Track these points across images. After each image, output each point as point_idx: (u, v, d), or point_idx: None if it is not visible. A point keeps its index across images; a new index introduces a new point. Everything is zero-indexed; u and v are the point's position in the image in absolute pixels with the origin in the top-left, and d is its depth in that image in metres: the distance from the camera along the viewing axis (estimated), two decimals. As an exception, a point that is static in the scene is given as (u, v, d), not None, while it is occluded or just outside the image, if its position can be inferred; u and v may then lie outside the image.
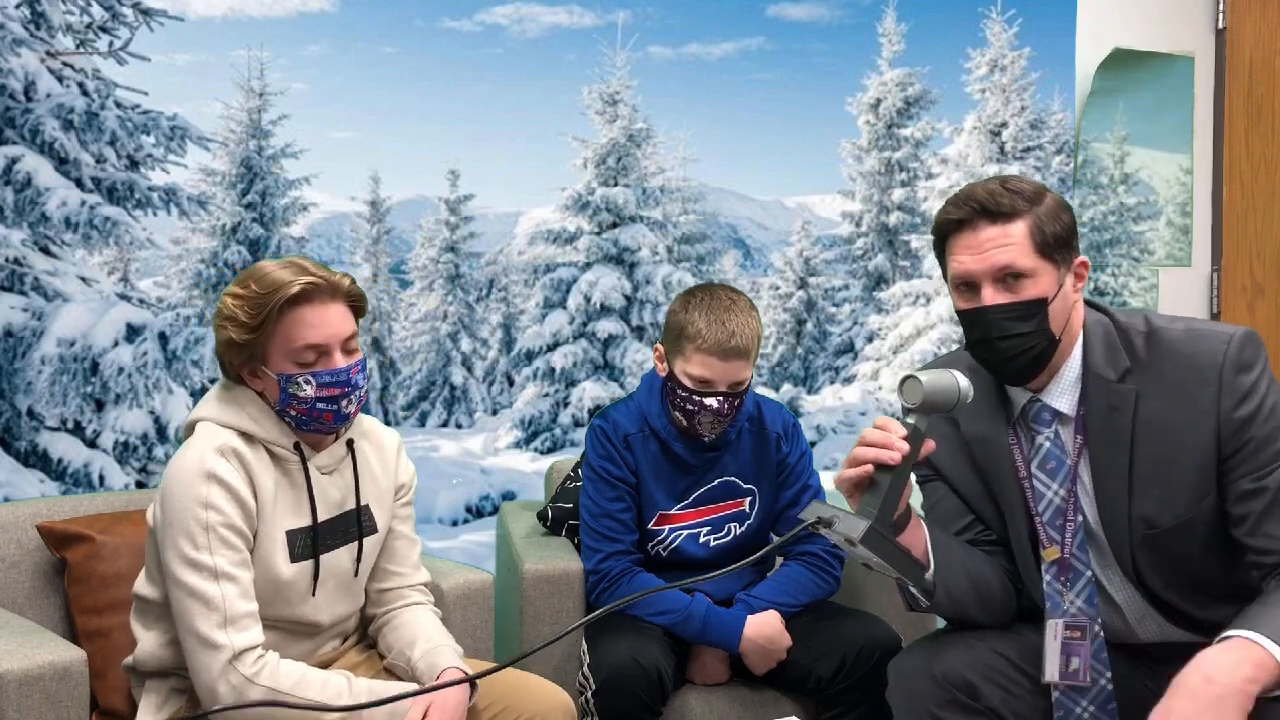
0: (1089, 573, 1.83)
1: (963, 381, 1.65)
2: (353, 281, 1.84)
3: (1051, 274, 1.75)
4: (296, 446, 1.85)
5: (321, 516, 1.87)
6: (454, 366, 3.26)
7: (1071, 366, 1.82)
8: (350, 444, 1.93)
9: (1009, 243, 1.74)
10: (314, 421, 1.82)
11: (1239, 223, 3.92)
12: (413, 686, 1.83)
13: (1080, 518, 1.83)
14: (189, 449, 1.78)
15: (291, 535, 1.84)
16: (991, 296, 1.75)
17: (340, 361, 1.80)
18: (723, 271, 3.49)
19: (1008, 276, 1.74)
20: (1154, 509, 1.77)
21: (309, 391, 1.78)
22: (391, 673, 1.96)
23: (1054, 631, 1.83)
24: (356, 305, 1.85)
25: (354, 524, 1.92)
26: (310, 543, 1.86)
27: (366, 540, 1.94)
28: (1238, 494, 1.73)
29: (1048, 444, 1.83)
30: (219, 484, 1.74)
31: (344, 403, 1.82)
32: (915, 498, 1.88)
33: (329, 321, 1.79)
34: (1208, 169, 3.94)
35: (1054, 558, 1.84)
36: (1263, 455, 1.71)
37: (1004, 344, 1.75)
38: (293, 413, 1.81)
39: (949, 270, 1.81)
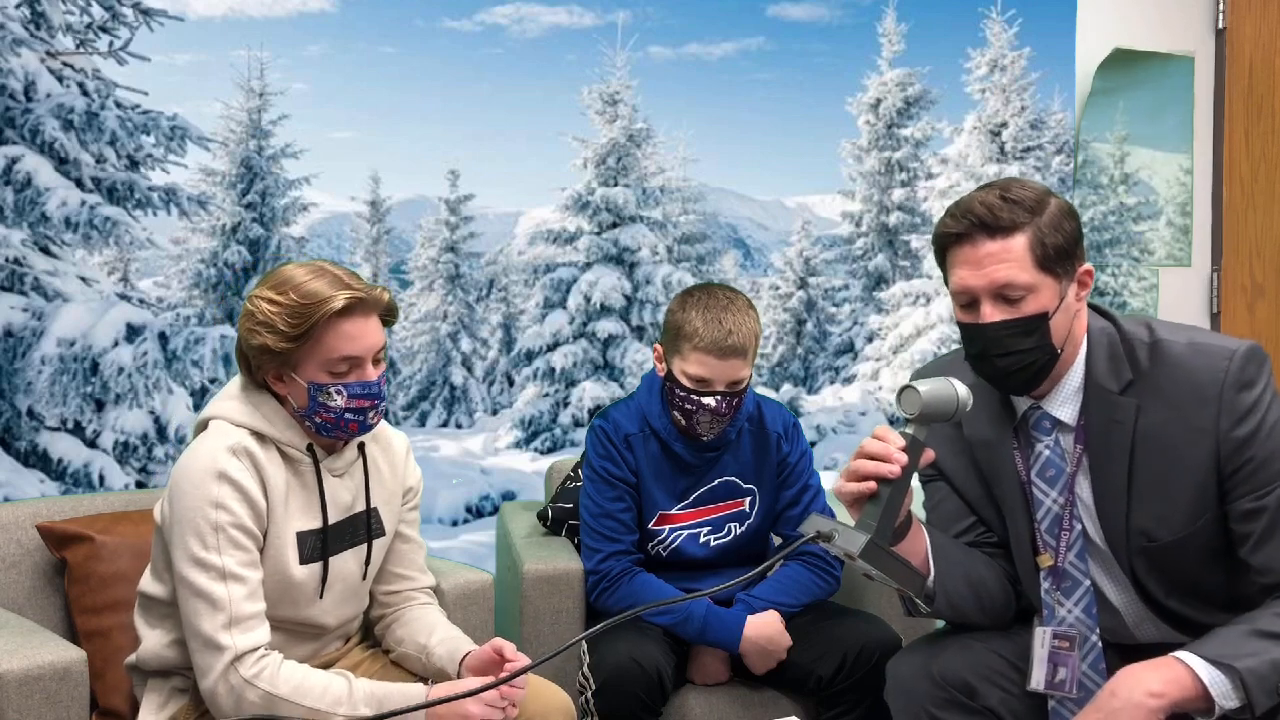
0: (1087, 582, 1.83)
1: (961, 390, 1.63)
2: (390, 296, 1.85)
3: (1053, 287, 1.72)
4: (309, 448, 1.85)
5: (331, 519, 1.87)
6: (454, 366, 3.26)
7: (1074, 375, 1.80)
8: (361, 447, 1.93)
9: (1008, 258, 1.70)
10: (338, 430, 1.82)
11: (1239, 223, 3.92)
12: (419, 689, 1.80)
13: (1079, 526, 1.82)
14: (201, 446, 1.77)
15: (301, 537, 1.83)
16: (991, 313, 1.72)
17: (372, 374, 1.81)
18: (723, 271, 3.49)
19: (1007, 292, 1.71)
20: (1152, 523, 1.76)
21: (339, 402, 1.78)
22: (400, 665, 1.96)
23: (1041, 640, 1.83)
24: (387, 317, 1.86)
25: (363, 527, 1.92)
26: (320, 545, 1.85)
27: (375, 543, 1.94)
28: (1239, 513, 1.72)
29: (1047, 452, 1.82)
30: (230, 484, 1.74)
31: (370, 414, 1.82)
32: (917, 499, 1.88)
33: (367, 335, 1.79)
34: (1208, 169, 3.93)
35: (1048, 565, 1.84)
36: (1263, 474, 1.70)
37: (1003, 360, 1.73)
38: (318, 420, 1.80)
39: (949, 282, 1.78)
